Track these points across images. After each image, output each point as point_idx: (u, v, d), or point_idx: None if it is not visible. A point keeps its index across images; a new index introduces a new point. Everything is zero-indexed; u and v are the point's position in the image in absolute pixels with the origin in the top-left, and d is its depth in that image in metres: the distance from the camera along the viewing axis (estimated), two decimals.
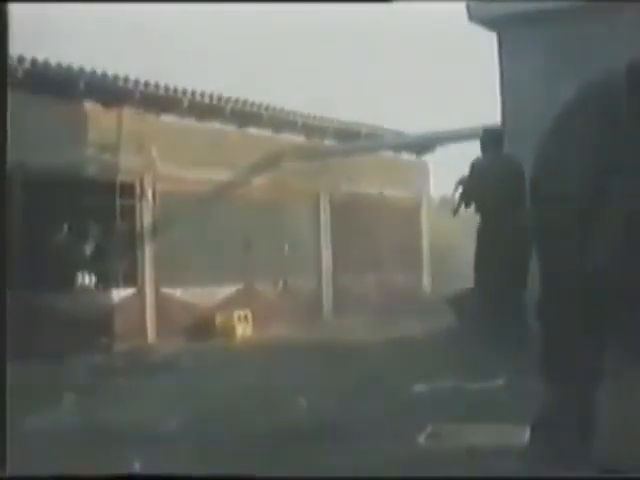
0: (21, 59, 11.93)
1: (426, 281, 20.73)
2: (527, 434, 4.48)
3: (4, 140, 3.82)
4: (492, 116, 10.72)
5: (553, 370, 4.21)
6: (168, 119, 14.76)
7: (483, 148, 10.24)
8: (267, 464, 5.00)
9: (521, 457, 4.41)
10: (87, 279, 13.55)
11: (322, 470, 4.81)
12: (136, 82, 13.80)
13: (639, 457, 4.27)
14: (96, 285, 13.61)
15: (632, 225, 3.84)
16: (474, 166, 10.19)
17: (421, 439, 5.34)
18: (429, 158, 20.84)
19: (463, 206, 10.42)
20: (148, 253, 14.14)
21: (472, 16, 9.96)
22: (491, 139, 10.17)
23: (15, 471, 3.90)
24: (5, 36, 3.88)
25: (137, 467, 5.01)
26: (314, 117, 17.34)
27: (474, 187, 10.06)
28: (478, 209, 10.17)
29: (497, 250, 9.64)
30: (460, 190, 10.30)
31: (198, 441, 5.81)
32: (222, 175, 15.34)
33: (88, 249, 13.70)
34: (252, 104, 15.91)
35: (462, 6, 9.93)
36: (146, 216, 14.16)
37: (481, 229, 10.07)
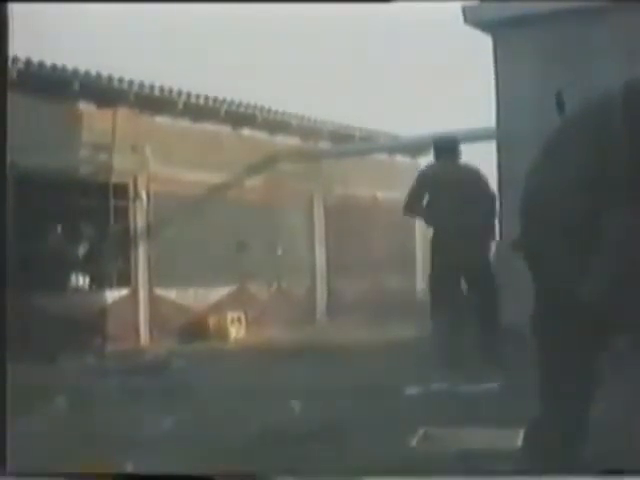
0: (15, 59, 11.90)
1: (419, 284, 20.71)
2: (519, 437, 4.47)
3: (4, 140, 3.81)
4: (487, 119, 10.71)
5: (548, 377, 4.19)
6: (162, 120, 14.74)
7: (437, 155, 9.65)
8: (256, 466, 4.99)
9: (514, 459, 4.41)
10: (80, 280, 13.53)
11: (313, 473, 4.80)
12: (130, 83, 13.79)
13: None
14: (89, 286, 13.59)
15: (630, 258, 3.78)
16: (424, 174, 9.61)
17: (413, 442, 5.33)
18: (423, 161, 20.82)
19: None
20: (142, 254, 14.13)
21: (468, 19, 9.95)
22: (445, 146, 9.62)
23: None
24: (5, 36, 3.86)
25: (129, 468, 5.00)
26: (309, 119, 17.34)
27: (423, 196, 9.39)
28: (430, 218, 9.50)
29: (451, 261, 9.07)
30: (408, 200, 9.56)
31: (189, 442, 5.79)
32: (216, 176, 15.33)
33: (81, 250, 13.67)
34: (247, 106, 15.91)
35: (457, 8, 9.93)
36: (140, 217, 14.15)
37: (434, 239, 9.49)
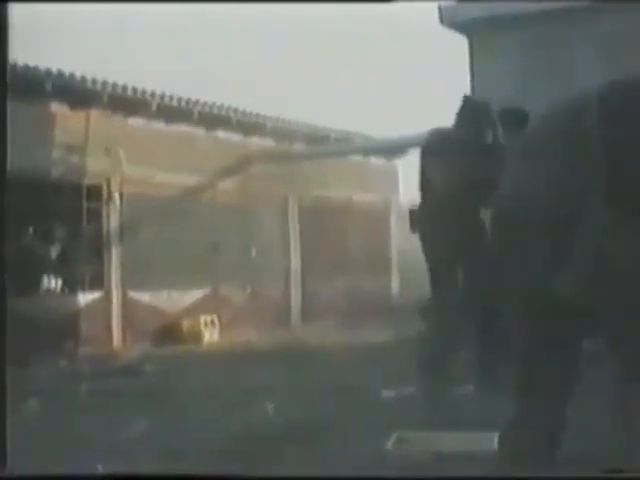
0: None
1: (395, 286, 20.73)
2: (494, 440, 4.44)
3: (4, 140, 3.75)
4: None
5: (523, 378, 4.17)
6: (136, 122, 14.65)
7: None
8: (228, 469, 4.95)
9: (489, 462, 4.39)
10: (53, 282, 13.43)
11: (286, 475, 4.76)
12: (104, 84, 13.69)
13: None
14: (62, 289, 13.49)
15: (600, 259, 3.76)
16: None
17: (388, 445, 5.29)
18: (398, 162, 20.88)
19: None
20: (115, 257, 14.03)
21: (444, 20, 9.95)
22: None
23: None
24: (5, 36, 3.81)
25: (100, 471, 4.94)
26: (283, 121, 17.29)
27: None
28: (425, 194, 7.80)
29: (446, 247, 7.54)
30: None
31: (161, 446, 5.75)
32: (190, 178, 15.25)
33: (54, 252, 13.58)
34: (220, 107, 15.85)
35: (434, 9, 9.92)
36: (113, 219, 14.04)
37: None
